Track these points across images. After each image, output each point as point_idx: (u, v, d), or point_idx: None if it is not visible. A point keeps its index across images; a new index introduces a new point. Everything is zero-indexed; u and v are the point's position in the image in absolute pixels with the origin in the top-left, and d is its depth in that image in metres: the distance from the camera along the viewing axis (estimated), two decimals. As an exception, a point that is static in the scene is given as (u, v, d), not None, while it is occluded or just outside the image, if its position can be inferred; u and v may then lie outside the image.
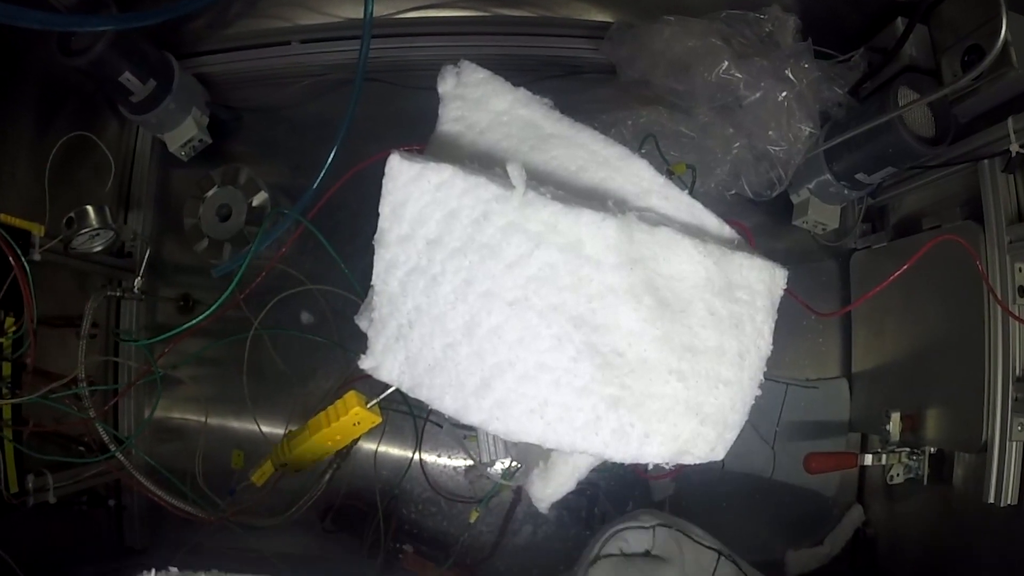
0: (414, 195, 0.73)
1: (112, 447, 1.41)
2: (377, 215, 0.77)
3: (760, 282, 0.87)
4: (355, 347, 1.56)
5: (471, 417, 0.76)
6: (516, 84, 0.96)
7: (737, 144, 1.42)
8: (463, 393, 0.75)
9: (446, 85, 0.88)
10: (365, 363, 0.76)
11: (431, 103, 1.63)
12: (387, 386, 0.82)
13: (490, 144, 0.85)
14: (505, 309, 0.73)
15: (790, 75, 1.36)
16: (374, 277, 0.74)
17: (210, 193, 1.55)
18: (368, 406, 0.83)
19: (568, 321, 0.75)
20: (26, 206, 1.35)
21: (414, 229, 0.74)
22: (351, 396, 0.83)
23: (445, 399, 0.76)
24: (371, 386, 1.54)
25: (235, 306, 1.46)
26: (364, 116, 1.34)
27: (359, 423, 0.83)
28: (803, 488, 1.61)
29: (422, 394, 0.76)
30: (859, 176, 1.42)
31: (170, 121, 1.56)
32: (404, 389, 0.77)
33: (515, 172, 0.73)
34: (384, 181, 0.72)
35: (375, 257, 0.74)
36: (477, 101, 0.88)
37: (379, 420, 0.84)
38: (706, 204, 0.93)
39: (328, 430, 0.83)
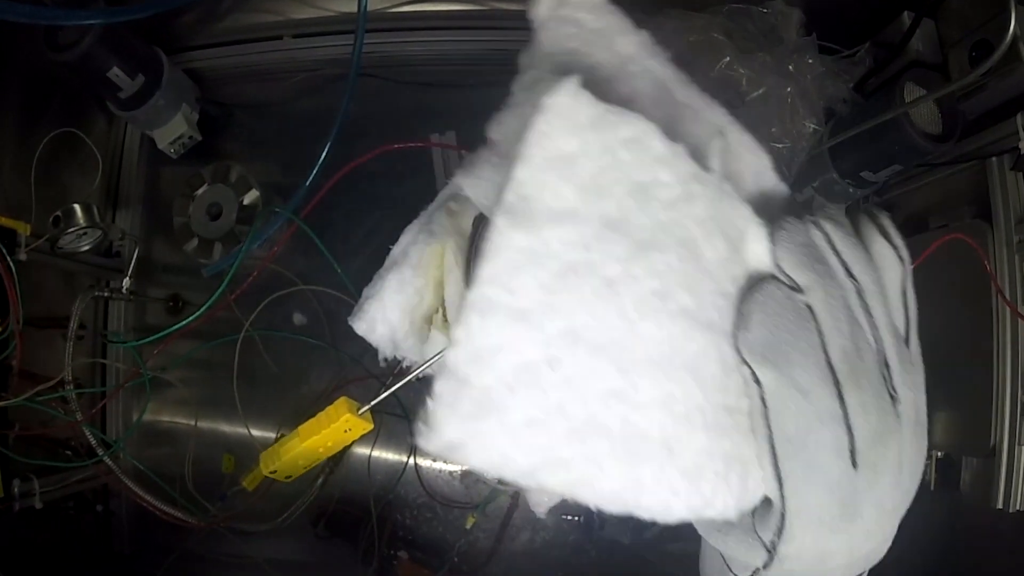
0: (591, 150, 0.46)
1: (100, 451, 1.41)
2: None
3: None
4: (348, 349, 1.58)
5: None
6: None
7: (740, 141, 1.42)
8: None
9: (544, 5, 0.61)
10: (430, 444, 0.42)
11: (428, 99, 1.64)
12: (379, 391, 0.82)
13: (621, 100, 0.51)
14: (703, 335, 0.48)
15: (793, 71, 1.36)
16: (483, 281, 0.42)
17: (200, 191, 1.55)
18: (359, 413, 0.83)
19: None
20: (11, 204, 1.34)
21: (586, 203, 0.45)
22: (341, 403, 0.82)
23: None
24: (365, 390, 1.56)
25: (226, 307, 1.46)
26: (358, 113, 1.34)
27: (350, 430, 0.82)
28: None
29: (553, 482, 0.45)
30: (864, 174, 1.41)
31: (159, 117, 1.55)
32: (511, 479, 0.45)
33: (716, 148, 0.55)
34: (538, 120, 0.44)
35: (491, 242, 0.43)
36: (598, 34, 0.63)
37: (371, 427, 0.84)
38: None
39: (318, 437, 0.82)
